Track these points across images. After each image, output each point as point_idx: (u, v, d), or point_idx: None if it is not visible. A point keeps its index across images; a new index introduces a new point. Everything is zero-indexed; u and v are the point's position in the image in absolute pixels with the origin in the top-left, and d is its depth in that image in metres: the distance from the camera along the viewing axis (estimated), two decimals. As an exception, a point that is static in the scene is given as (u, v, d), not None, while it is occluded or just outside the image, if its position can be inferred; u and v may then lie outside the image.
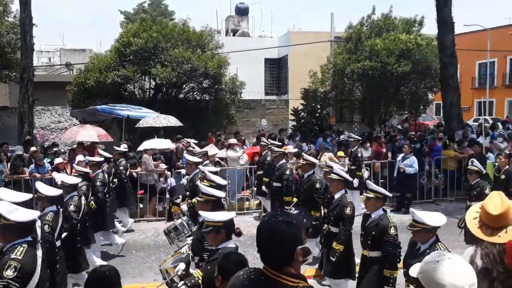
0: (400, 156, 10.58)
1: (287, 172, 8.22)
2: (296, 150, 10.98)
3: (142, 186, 9.98)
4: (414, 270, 2.25)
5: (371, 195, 4.86)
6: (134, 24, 17.22)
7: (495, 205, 2.78)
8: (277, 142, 10.30)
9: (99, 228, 7.26)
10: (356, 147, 10.59)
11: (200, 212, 4.16)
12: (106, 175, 7.76)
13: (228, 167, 10.89)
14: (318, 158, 10.97)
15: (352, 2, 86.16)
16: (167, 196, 9.90)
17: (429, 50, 17.28)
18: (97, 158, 8.37)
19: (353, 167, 10.15)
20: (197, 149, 9.56)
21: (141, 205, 10.20)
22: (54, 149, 11.55)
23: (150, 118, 11.95)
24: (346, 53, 18.18)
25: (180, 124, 12.16)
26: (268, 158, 9.52)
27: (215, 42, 16.62)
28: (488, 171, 9.32)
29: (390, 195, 5.33)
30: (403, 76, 17.22)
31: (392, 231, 4.70)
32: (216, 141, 12.58)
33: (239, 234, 3.85)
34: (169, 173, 10.26)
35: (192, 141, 10.75)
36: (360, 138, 11.11)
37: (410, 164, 10.21)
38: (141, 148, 10.93)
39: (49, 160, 10.03)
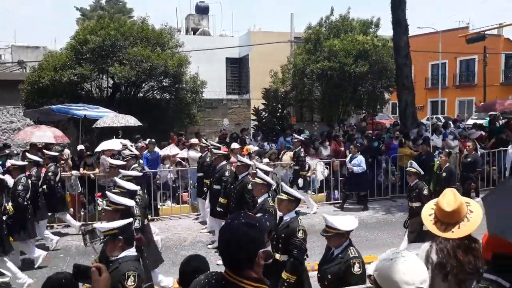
0: (348, 156, 10.84)
1: (227, 173, 7.95)
2: (256, 148, 11.08)
3: (100, 188, 9.73)
4: (371, 268, 2.31)
5: (284, 197, 4.66)
6: (91, 21, 16.71)
7: (449, 202, 2.92)
8: (216, 144, 9.94)
9: (17, 236, 6.77)
10: (299, 147, 10.60)
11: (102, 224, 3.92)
12: (28, 180, 7.18)
13: (189, 167, 10.83)
14: (280, 157, 11.13)
15: (311, 3, 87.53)
16: (127, 197, 9.69)
17: (385, 51, 17.81)
18: (20, 162, 7.96)
19: (296, 167, 10.32)
20: (134, 151, 9.31)
21: (99, 208, 9.93)
22: (6, 150, 11.06)
23: (108, 118, 11.65)
24: (306, 53, 18.45)
25: (140, 124, 11.94)
26: (208, 159, 9.32)
27: (175, 40, 16.42)
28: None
29: (303, 197, 5.18)
30: (361, 76, 17.67)
31: (300, 234, 4.53)
32: (177, 141, 12.47)
33: (139, 240, 3.63)
34: (128, 174, 10.05)
35: (128, 142, 10.26)
36: (302, 139, 11.12)
37: (357, 163, 10.42)
38: (99, 149, 10.67)
39: (0, 162, 9.60)
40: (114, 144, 10.54)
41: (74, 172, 9.73)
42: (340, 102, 18.84)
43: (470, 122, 20.75)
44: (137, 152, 9.34)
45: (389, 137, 13.63)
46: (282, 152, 11.35)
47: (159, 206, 10.34)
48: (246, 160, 7.75)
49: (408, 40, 15.20)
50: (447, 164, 8.46)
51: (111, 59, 14.64)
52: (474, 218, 2.91)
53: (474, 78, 33.40)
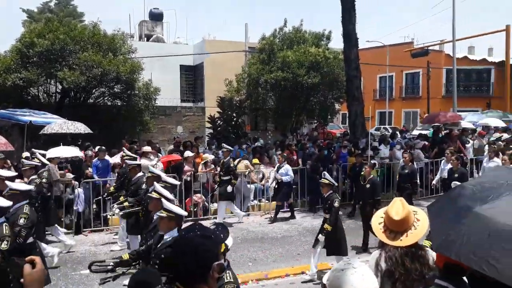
0: (276, 166, 10.82)
1: (143, 186, 7.24)
2: (212, 157, 11.07)
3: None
4: (324, 278, 2.32)
5: (164, 214, 4.14)
6: (38, 24, 16.12)
7: (397, 211, 3.02)
8: (132, 154, 9.36)
9: None
10: (228, 157, 10.32)
11: None
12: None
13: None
14: (235, 165, 11.17)
15: (265, 14, 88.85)
16: (75, 207, 9.36)
17: (336, 63, 18.41)
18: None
19: (226, 178, 9.90)
20: (44, 161, 8.81)
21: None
22: None
23: (56, 124, 11.21)
24: (260, 63, 18.73)
25: (89, 131, 11.58)
26: (232, 165, 9.75)
27: (127, 46, 16.14)
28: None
29: (185, 213, 4.62)
30: (313, 87, 18.15)
31: None
32: (128, 149, 12.18)
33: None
34: (76, 183, 9.70)
35: (38, 151, 9.46)
36: (232, 149, 10.87)
37: (285, 173, 10.37)
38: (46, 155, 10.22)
39: None
40: (61, 151, 10.14)
41: (18, 180, 9.24)
42: (293, 111, 19.22)
43: (416, 132, 21.77)
44: (46, 162, 8.69)
45: (339, 146, 14.06)
46: (237, 161, 11.40)
47: (108, 216, 10.04)
48: (157, 171, 7.03)
49: (357, 53, 15.80)
50: (371, 176, 8.40)
51: (60, 63, 14.16)
52: (420, 226, 3.01)
53: (418, 90, 35.15)
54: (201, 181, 10.96)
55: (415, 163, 11.62)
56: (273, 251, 8.26)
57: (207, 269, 1.89)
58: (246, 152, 12.98)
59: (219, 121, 17.55)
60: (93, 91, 15.31)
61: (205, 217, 10.66)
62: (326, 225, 6.54)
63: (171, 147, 13.74)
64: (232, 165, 10.24)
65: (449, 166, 10.36)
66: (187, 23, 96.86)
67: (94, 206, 9.94)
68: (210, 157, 11.02)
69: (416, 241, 2.98)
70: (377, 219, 3.17)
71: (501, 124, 17.25)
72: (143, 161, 10.74)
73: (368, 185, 8.30)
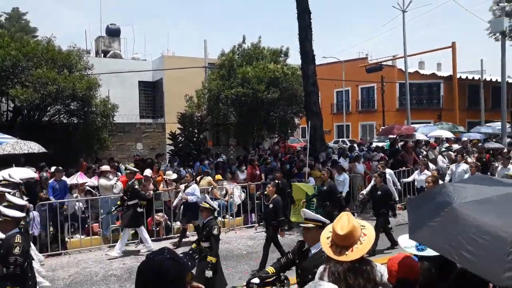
0: (183, 185, 10.11)
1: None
2: (175, 175, 10.92)
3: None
4: None
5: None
6: (-13, 40, 15.42)
7: (342, 225, 3.01)
8: (132, 168, 9.96)
9: None
10: (133, 180, 9.48)
11: None
12: None
13: (100, 196, 10.32)
14: (198, 182, 11.08)
15: (224, 31, 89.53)
16: (30, 231, 8.92)
17: (294, 79, 18.75)
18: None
19: (132, 202, 9.14)
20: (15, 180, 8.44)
21: None
22: None
23: (8, 144, 10.69)
24: (220, 79, 18.79)
25: (44, 150, 11.09)
26: (136, 186, 9.29)
27: (84, 62, 15.73)
28: (308, 191, 10.29)
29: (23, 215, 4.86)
30: (272, 102, 18.37)
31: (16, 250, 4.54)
32: (86, 169, 11.82)
33: None
34: (31, 205, 9.26)
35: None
36: (137, 170, 10.03)
37: (191, 192, 9.72)
38: (-2, 178, 9.71)
39: None
40: (14, 173, 9.67)
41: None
42: (254, 126, 19.35)
43: (374, 144, 22.48)
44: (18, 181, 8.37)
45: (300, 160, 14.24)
46: (199, 177, 11.31)
47: (66, 239, 9.65)
48: (13, 213, 5.28)
49: (315, 69, 16.21)
50: (275, 196, 7.96)
51: (11, 80, 13.61)
52: (366, 241, 3.00)
53: (374, 104, 36.42)
54: (163, 200, 10.79)
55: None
56: (239, 268, 8.22)
57: None
58: (208, 168, 12.91)
59: (180, 137, 17.36)
60: (48, 108, 14.76)
61: (168, 236, 10.47)
62: (209, 257, 5.68)
63: (132, 165, 13.42)
64: (137, 187, 9.26)
65: (422, 176, 10.92)
66: (145, 39, 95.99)
67: (51, 229, 9.53)
68: (173, 176, 10.86)
69: (361, 255, 2.97)
70: (326, 233, 3.18)
71: (451, 135, 18.18)
72: (102, 181, 10.48)
73: (271, 205, 7.87)
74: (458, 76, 29.36)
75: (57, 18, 72.80)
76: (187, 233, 10.19)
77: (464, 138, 18.16)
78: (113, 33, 25.52)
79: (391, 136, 18.08)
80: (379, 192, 9.11)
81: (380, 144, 19.39)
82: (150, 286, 1.88)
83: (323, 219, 3.85)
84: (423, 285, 2.96)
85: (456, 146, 16.24)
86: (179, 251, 8.18)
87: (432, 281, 3.01)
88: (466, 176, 10.81)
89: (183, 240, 9.88)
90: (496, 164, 12.83)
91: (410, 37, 34.15)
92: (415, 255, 3.20)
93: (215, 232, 5.76)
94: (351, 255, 2.94)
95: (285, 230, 7.75)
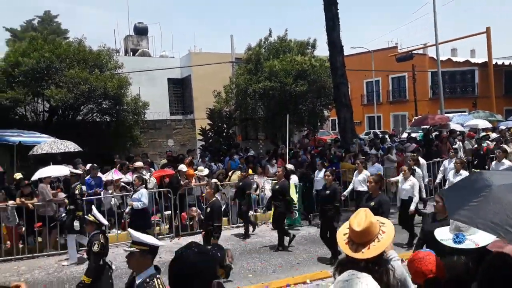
0: (134, 193, 9.29)
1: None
2: (207, 171, 11.02)
3: (39, 218, 9.18)
4: None
5: None
6: (22, 43, 15.97)
7: (359, 222, 2.88)
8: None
9: None
10: (77, 182, 9.10)
11: None
12: None
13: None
14: (230, 177, 11.14)
15: (249, 25, 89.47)
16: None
17: (322, 70, 18.51)
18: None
19: (71, 207, 8.79)
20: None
21: (39, 239, 9.36)
22: None
23: (45, 144, 11.06)
24: (247, 73, 18.76)
25: (80, 149, 11.45)
26: (77, 191, 8.91)
27: (114, 61, 16.05)
28: (292, 192, 9.64)
29: None
30: (301, 95, 18.21)
31: None
32: (120, 165, 12.08)
33: None
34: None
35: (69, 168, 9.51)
36: (80, 172, 10.04)
37: (138, 198, 8.96)
38: (35, 177, 10.05)
39: None
40: (52, 171, 9.99)
41: (10, 202, 9.09)
42: (282, 120, 19.22)
43: (404, 135, 21.98)
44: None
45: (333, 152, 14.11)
46: (231, 172, 11.37)
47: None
48: None
49: (343, 60, 15.96)
50: (213, 198, 7.50)
51: (46, 81, 14.03)
52: (384, 238, 2.87)
53: (405, 94, 35.57)
54: (195, 194, 10.90)
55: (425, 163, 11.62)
56: (272, 262, 8.21)
57: (207, 285, 1.90)
58: (238, 163, 12.95)
59: (210, 133, 17.48)
60: (81, 108, 15.17)
61: (201, 230, 10.56)
62: (83, 276, 4.93)
63: (164, 161, 13.65)
64: (77, 192, 8.87)
65: (452, 165, 10.21)
66: (172, 37, 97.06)
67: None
68: (204, 171, 10.95)
69: (378, 254, 2.83)
70: (343, 229, 3.05)
71: (488, 125, 17.51)
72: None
73: (208, 209, 7.52)
74: (493, 62, 28.23)
75: (86, 19, 74.60)
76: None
77: (502, 127, 17.47)
78: (141, 31, 25.88)
79: (424, 126, 17.62)
80: (327, 192, 8.10)
81: (413, 135, 18.92)
82: (181, 281, 1.90)
83: (153, 241, 3.23)
84: (459, 281, 2.81)
85: (493, 135, 15.65)
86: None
87: (469, 277, 2.85)
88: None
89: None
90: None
91: (441, 24, 33.13)
92: (448, 248, 3.07)
93: (95, 248, 4.93)
94: (368, 252, 2.81)
95: (217, 236, 7.20)
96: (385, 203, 6.64)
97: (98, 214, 5.38)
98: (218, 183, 8.58)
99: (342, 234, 3.02)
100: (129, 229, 3.74)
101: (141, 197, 8.93)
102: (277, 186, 9.23)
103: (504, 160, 10.08)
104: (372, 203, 6.42)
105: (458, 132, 16.12)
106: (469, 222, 2.66)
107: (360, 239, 2.85)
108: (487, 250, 2.85)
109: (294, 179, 10.51)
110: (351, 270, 2.25)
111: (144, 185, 9.31)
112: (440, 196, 4.85)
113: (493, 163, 10.52)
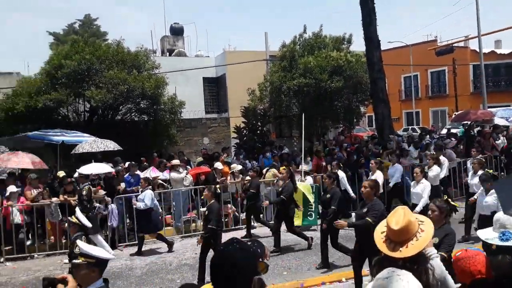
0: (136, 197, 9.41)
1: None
2: (240, 166, 11.08)
3: (81, 214, 9.52)
4: (368, 286, 2.27)
5: None
6: (65, 46, 16.64)
7: (398, 220, 2.82)
8: None
9: None
10: (86, 183, 9.12)
11: None
12: None
13: (172, 189, 10.72)
14: (264, 175, 11.14)
15: (284, 22, 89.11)
16: (109, 223, 9.52)
17: (358, 66, 18.20)
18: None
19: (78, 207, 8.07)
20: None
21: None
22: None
23: (86, 143, 11.46)
24: (282, 71, 18.70)
25: (119, 148, 11.78)
26: (84, 192, 8.78)
27: (151, 62, 16.43)
28: (305, 191, 9.25)
29: None
30: (336, 91, 17.98)
31: None
32: (158, 163, 12.35)
33: None
34: (109, 199, 9.87)
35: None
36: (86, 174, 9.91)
37: (141, 198, 9.09)
38: (76, 174, 10.44)
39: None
40: (92, 168, 10.33)
41: (54, 199, 9.50)
42: (317, 117, 19.07)
43: (444, 131, 21.28)
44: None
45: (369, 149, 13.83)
46: (265, 169, 11.37)
47: (142, 230, 10.14)
48: None
49: (380, 55, 15.62)
50: (212, 201, 7.31)
51: (87, 83, 14.54)
52: (423, 237, 2.82)
53: (445, 88, 34.42)
54: (230, 192, 10.98)
55: (447, 163, 11.19)
56: (307, 259, 8.15)
57: (248, 282, 1.88)
58: (272, 161, 12.94)
59: (244, 131, 17.57)
60: (120, 107, 15.62)
61: (236, 227, 10.65)
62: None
63: (200, 159, 13.82)
64: (84, 193, 8.80)
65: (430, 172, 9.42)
66: (208, 36, 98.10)
67: (128, 220, 10.09)
68: (238, 167, 11.02)
69: (416, 252, 2.75)
70: (381, 228, 2.98)
71: (535, 118, 16.67)
72: (173, 174, 10.89)
73: (206, 212, 7.32)
74: (541, 54, 26.83)
75: (125, 21, 76.69)
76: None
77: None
78: (177, 31, 26.30)
79: (465, 122, 16.97)
80: (328, 195, 7.61)
81: (453, 131, 18.28)
82: (224, 278, 1.90)
83: (100, 254, 3.05)
84: (505, 282, 2.67)
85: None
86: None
87: None
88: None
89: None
90: None
91: (484, 15, 31.83)
92: (495, 246, 2.93)
93: (76, 250, 4.96)
94: (406, 251, 2.74)
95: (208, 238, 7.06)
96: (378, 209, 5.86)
97: (81, 216, 5.35)
98: (217, 187, 8.75)
99: (379, 232, 2.95)
100: (77, 241, 3.64)
101: (144, 198, 9.02)
102: (280, 189, 9.02)
103: None
104: (365, 210, 5.92)
105: (502, 127, 15.42)
106: None
107: (398, 237, 2.79)
108: None
109: (309, 180, 10.33)
110: (391, 268, 2.21)
111: (150, 186, 9.45)
112: (436, 205, 4.56)
113: None
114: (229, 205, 10.69)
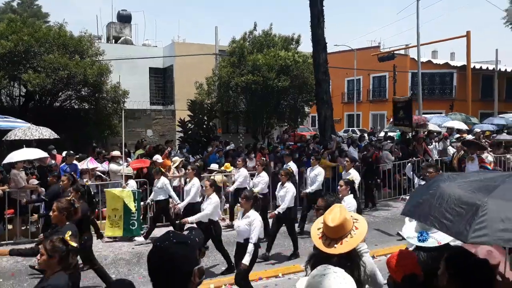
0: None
1: None
2: (180, 159, 10.97)
3: (11, 205, 9.00)
4: (301, 283, 2.29)
5: None
6: (0, 25, 15.53)
7: (333, 217, 2.94)
8: None
9: None
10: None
11: None
12: None
13: (110, 181, 10.41)
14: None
15: (235, 17, 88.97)
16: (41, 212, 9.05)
17: (305, 67, 18.59)
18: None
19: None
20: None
21: (9, 226, 9.19)
22: None
23: (20, 130, 10.80)
24: (230, 66, 18.71)
25: (56, 136, 11.21)
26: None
27: (95, 48, 15.78)
28: (126, 199, 8.88)
29: None
30: (283, 90, 18.27)
31: None
32: (96, 154, 11.93)
33: None
34: (42, 189, 9.39)
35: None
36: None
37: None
38: (7, 160, 9.77)
39: None
40: (24, 154, 9.72)
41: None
42: (263, 115, 19.30)
43: (382, 134, 22.29)
44: None
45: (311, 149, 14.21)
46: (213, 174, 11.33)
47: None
48: None
49: (326, 57, 16.04)
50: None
51: (24, 65, 13.72)
52: (357, 235, 2.92)
53: (385, 93, 36.02)
54: (172, 185, 10.84)
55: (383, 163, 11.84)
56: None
57: (188, 275, 1.88)
58: (218, 156, 12.94)
59: (190, 125, 17.39)
60: (59, 94, 14.89)
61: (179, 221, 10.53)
62: None
63: (140, 151, 13.50)
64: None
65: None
66: (156, 25, 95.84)
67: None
68: (178, 160, 10.92)
69: (350, 249, 2.89)
70: (317, 224, 3.10)
71: (464, 127, 17.92)
72: (112, 166, 10.57)
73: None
74: (472, 66, 28.84)
75: (69, 4, 72.94)
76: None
77: (477, 130, 17.90)
78: (124, 19, 25.50)
79: (402, 126, 17.84)
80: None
81: (390, 134, 19.21)
82: (161, 273, 1.88)
83: None
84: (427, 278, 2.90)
85: (469, 137, 16.02)
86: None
87: (428, 274, 2.95)
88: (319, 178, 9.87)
89: None
90: (508, 156, 12.67)
91: (423, 26, 33.96)
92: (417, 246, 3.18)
93: None
94: (340, 248, 2.87)
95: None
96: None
97: None
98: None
99: (316, 228, 3.06)
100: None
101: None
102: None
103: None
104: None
105: (435, 133, 16.44)
106: (413, 216, 2.90)
107: (334, 234, 2.91)
108: (446, 248, 2.95)
109: (131, 184, 9.61)
110: (326, 265, 2.24)
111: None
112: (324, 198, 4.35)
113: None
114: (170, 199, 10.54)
